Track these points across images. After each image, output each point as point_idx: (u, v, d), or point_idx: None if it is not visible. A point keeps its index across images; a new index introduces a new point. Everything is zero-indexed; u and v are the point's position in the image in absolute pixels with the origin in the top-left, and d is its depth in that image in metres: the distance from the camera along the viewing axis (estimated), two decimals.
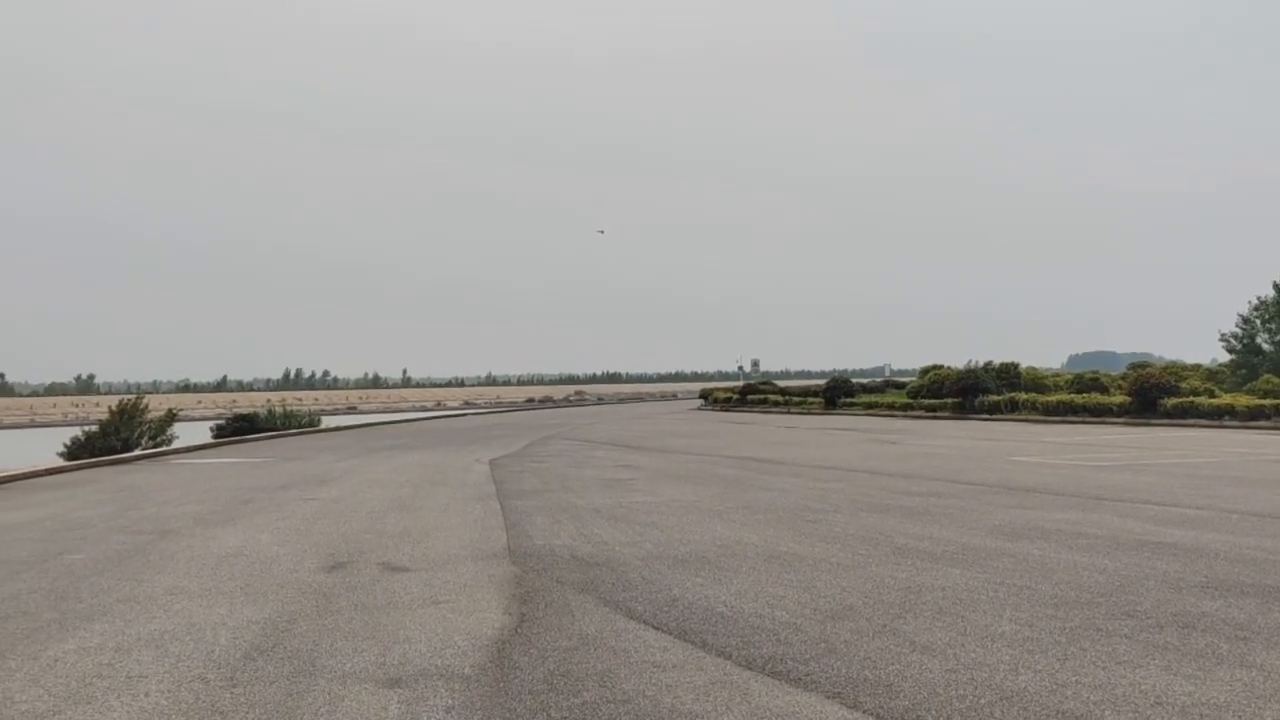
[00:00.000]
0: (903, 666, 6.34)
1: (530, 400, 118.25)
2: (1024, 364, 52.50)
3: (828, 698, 5.81)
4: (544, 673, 6.40)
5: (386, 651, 7.00)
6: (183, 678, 6.49)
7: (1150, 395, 38.52)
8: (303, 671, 6.55)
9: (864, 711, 5.57)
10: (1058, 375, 57.01)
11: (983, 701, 5.65)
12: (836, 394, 57.84)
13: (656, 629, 7.49)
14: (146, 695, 6.14)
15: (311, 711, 5.78)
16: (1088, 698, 5.68)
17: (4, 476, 22.22)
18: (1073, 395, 43.04)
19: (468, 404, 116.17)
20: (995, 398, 45.13)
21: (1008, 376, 48.99)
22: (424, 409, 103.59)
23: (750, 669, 6.39)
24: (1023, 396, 44.18)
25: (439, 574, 9.87)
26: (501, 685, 6.17)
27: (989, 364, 51.06)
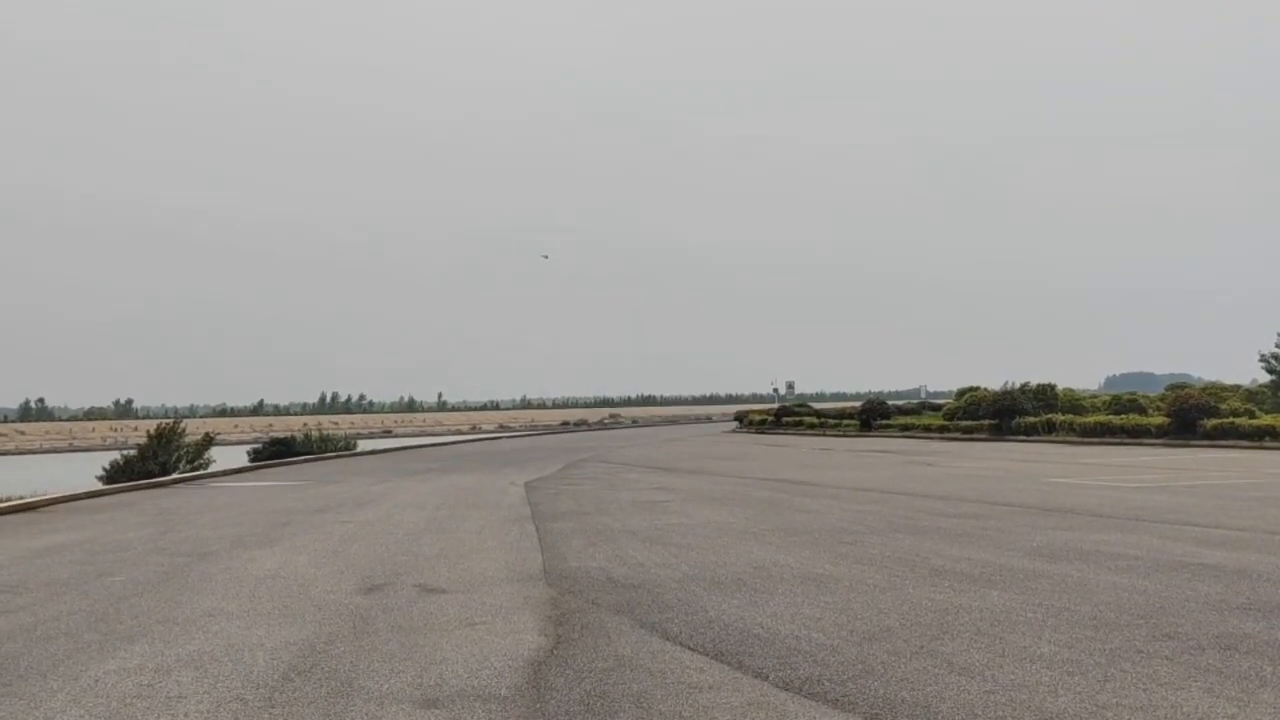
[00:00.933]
0: (941, 688, 6.31)
1: (565, 423, 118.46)
2: (1061, 385, 52.22)
3: (865, 719, 5.78)
4: (580, 694, 6.39)
5: (423, 673, 7.01)
6: (221, 698, 6.51)
7: (1189, 416, 38.22)
8: (340, 692, 6.57)
9: None
10: (1095, 397, 56.70)
11: None
12: (872, 416, 57.66)
13: (693, 650, 7.47)
14: (186, 716, 6.16)
15: None
16: (1129, 719, 5.63)
17: (44, 500, 22.41)
18: (1110, 416, 42.77)
19: (503, 427, 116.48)
20: (1032, 419, 44.88)
21: (1044, 398, 48.74)
22: (459, 432, 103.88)
23: (787, 690, 6.37)
24: (1060, 418, 43.92)
25: (475, 596, 9.88)
26: (538, 706, 6.17)
27: (1025, 385, 50.83)
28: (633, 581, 10.41)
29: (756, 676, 6.69)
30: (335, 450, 44.48)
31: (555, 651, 7.54)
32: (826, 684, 6.46)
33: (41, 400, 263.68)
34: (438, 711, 6.11)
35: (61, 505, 22.21)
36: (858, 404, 64.69)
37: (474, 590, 10.18)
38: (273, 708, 6.28)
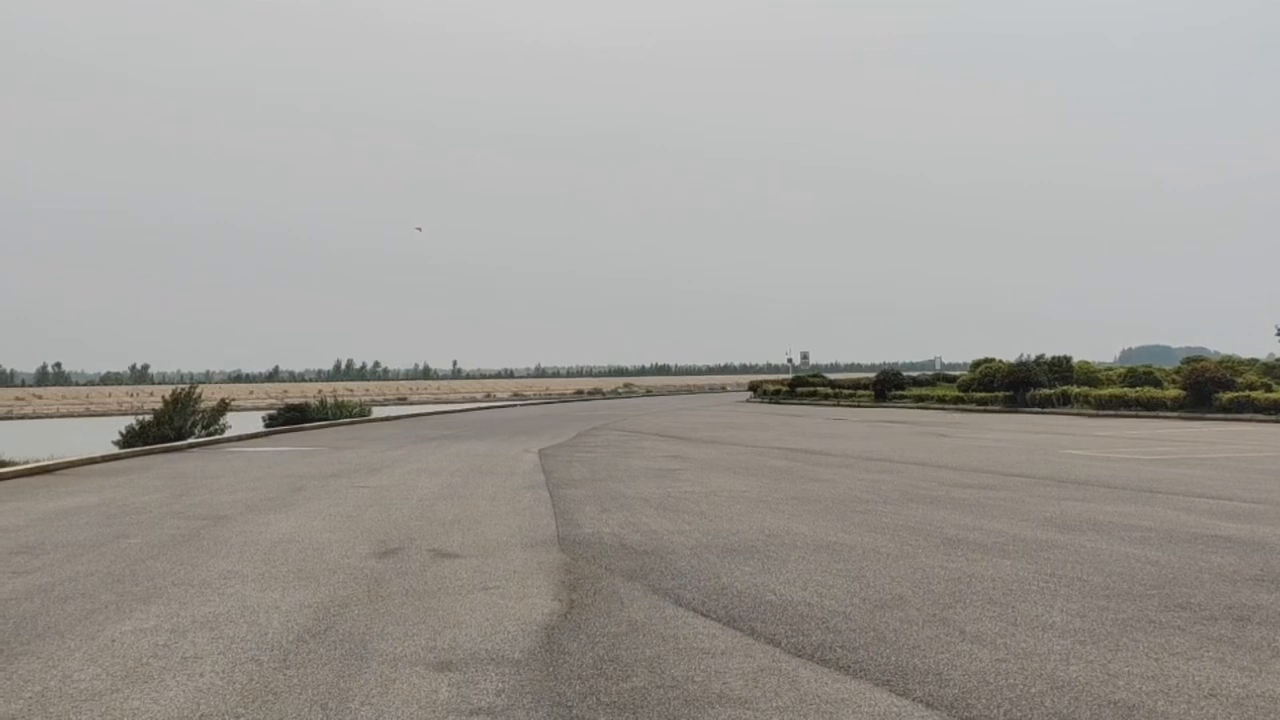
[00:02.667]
0: (952, 655, 6.32)
1: (579, 392, 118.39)
2: (1076, 358, 52.05)
3: (877, 685, 5.80)
4: (593, 658, 6.42)
5: (437, 636, 7.05)
6: (237, 659, 6.56)
7: (1205, 389, 38.08)
8: (354, 654, 6.61)
9: (913, 699, 5.56)
10: (1110, 369, 56.47)
11: (1033, 690, 5.63)
12: (886, 387, 57.60)
13: (705, 616, 7.50)
14: (201, 675, 6.21)
15: (363, 693, 5.83)
16: (1140, 688, 5.64)
17: (62, 463, 22.52)
18: (1125, 389, 42.61)
19: (517, 395, 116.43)
20: (1047, 391, 44.78)
21: (1060, 370, 48.61)
22: (473, 400, 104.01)
23: (799, 656, 6.39)
24: (1075, 390, 43.81)
25: (489, 561, 9.92)
26: (551, 670, 6.20)
27: (1041, 358, 50.69)
28: (646, 548, 10.44)
29: (768, 643, 6.72)
30: (350, 417, 44.59)
31: (568, 616, 7.57)
32: (838, 651, 6.49)
33: (59, 365, 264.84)
34: (451, 674, 6.15)
35: (78, 468, 22.32)
36: (872, 375, 64.63)
37: (488, 555, 10.22)
38: (287, 669, 6.32)
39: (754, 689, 5.77)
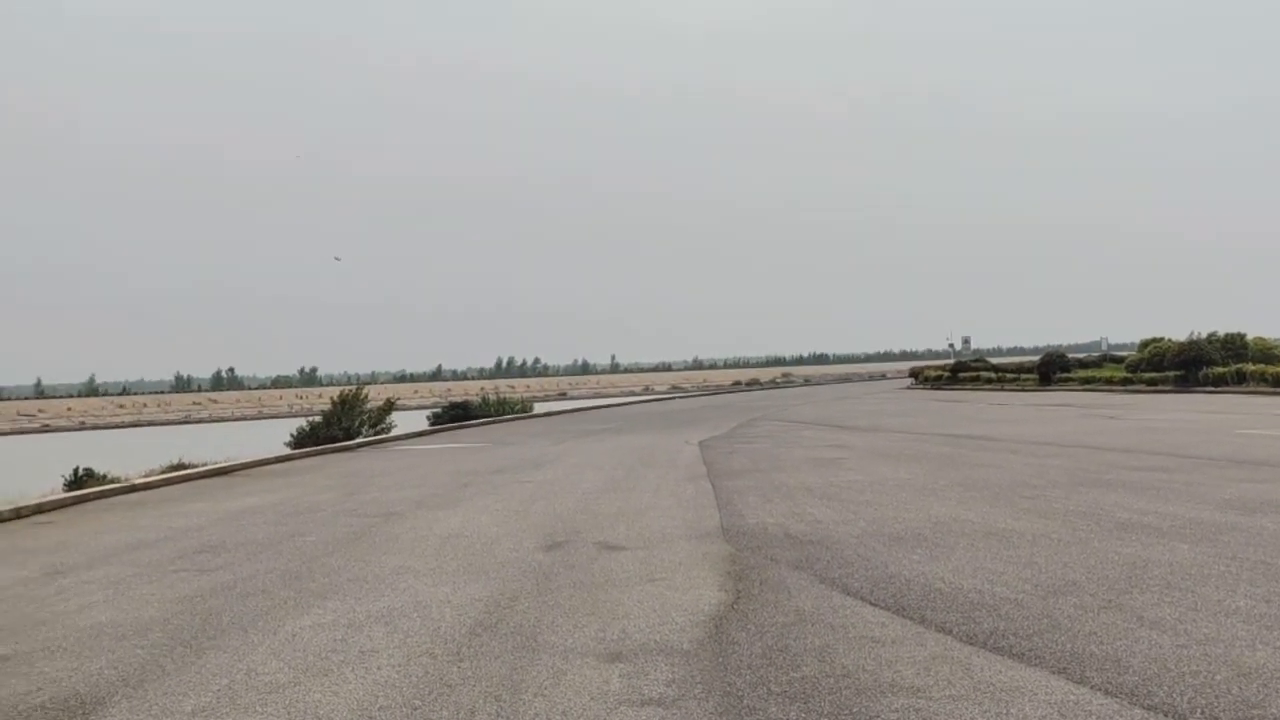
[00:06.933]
0: (1130, 642, 6.17)
1: (737, 383, 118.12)
2: (1251, 334, 50.23)
3: (1053, 673, 5.69)
4: (762, 648, 6.42)
5: (606, 627, 7.11)
6: (412, 652, 6.71)
7: None
8: (526, 647, 6.71)
9: (1091, 687, 5.44)
10: None
11: (1218, 678, 5.46)
12: (1051, 369, 56.28)
13: (873, 605, 7.44)
14: (379, 669, 6.37)
15: (536, 685, 5.91)
16: None
17: (238, 465, 23.28)
18: None
19: (675, 388, 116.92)
20: (1220, 370, 43.26)
21: (1233, 347, 46.93)
22: (632, 394, 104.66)
23: (971, 644, 6.30)
24: (1250, 368, 42.23)
25: (654, 552, 9.97)
26: (720, 660, 6.21)
27: (1213, 335, 49.00)
28: (811, 537, 10.39)
29: (940, 631, 6.64)
30: (512, 413, 45.18)
31: (735, 606, 7.57)
32: (1011, 638, 6.38)
33: (232, 370, 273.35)
34: (621, 665, 6.20)
35: (253, 470, 23.05)
36: (1036, 358, 63.25)
37: (653, 547, 10.28)
38: (461, 661, 6.44)
39: (926, 677, 5.71)
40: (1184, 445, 18.73)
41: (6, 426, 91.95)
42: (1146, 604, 7.06)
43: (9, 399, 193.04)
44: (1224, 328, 50.30)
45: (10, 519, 15.18)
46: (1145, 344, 53.19)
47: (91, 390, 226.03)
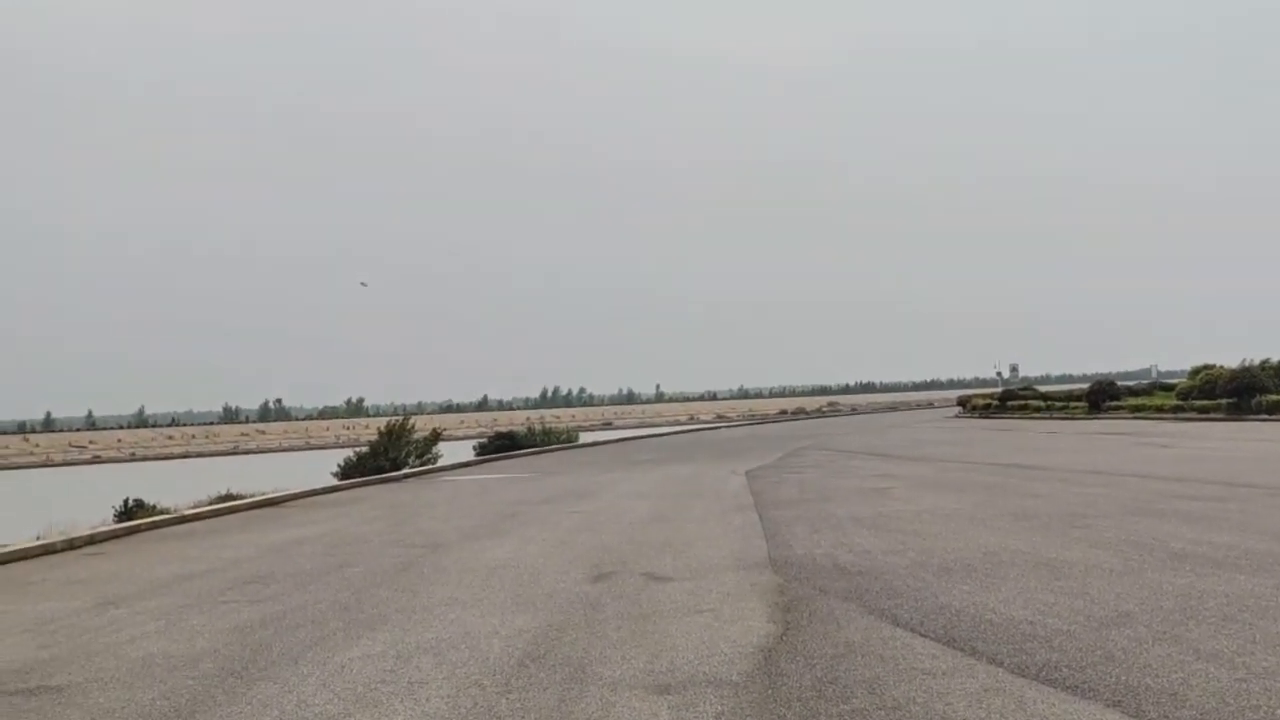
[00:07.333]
0: (1187, 675, 6.08)
1: (783, 412, 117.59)
2: None
3: (1108, 706, 5.61)
4: (812, 680, 6.37)
5: (654, 659, 7.09)
6: (461, 684, 6.71)
7: None
8: (574, 678, 6.69)
9: None
10: None
11: (1279, 712, 5.37)
12: (1100, 397, 55.76)
13: (923, 636, 7.38)
14: (428, 700, 6.37)
15: (584, 716, 5.89)
16: None
17: (286, 495, 23.42)
18: None
19: (720, 417, 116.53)
20: (1274, 397, 42.73)
21: None
22: (677, 423, 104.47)
23: (1024, 676, 6.23)
24: None
25: (702, 583, 9.94)
26: (770, 692, 6.18)
27: (1266, 362, 48.41)
28: (859, 568, 10.32)
29: (991, 662, 6.57)
30: (558, 443, 45.20)
31: (785, 638, 7.54)
32: (1065, 670, 6.30)
33: (279, 401, 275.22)
34: (670, 697, 6.17)
35: (302, 500, 23.18)
36: (1085, 386, 62.69)
37: (700, 578, 10.25)
38: (510, 693, 6.43)
39: (979, 710, 5.65)
40: (1238, 474, 18.51)
41: (58, 458, 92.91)
42: (1203, 636, 6.96)
43: (61, 430, 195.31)
44: (1277, 355, 49.69)
45: (63, 550, 15.33)
46: (1196, 371, 52.63)
47: (141, 421, 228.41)
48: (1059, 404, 59.50)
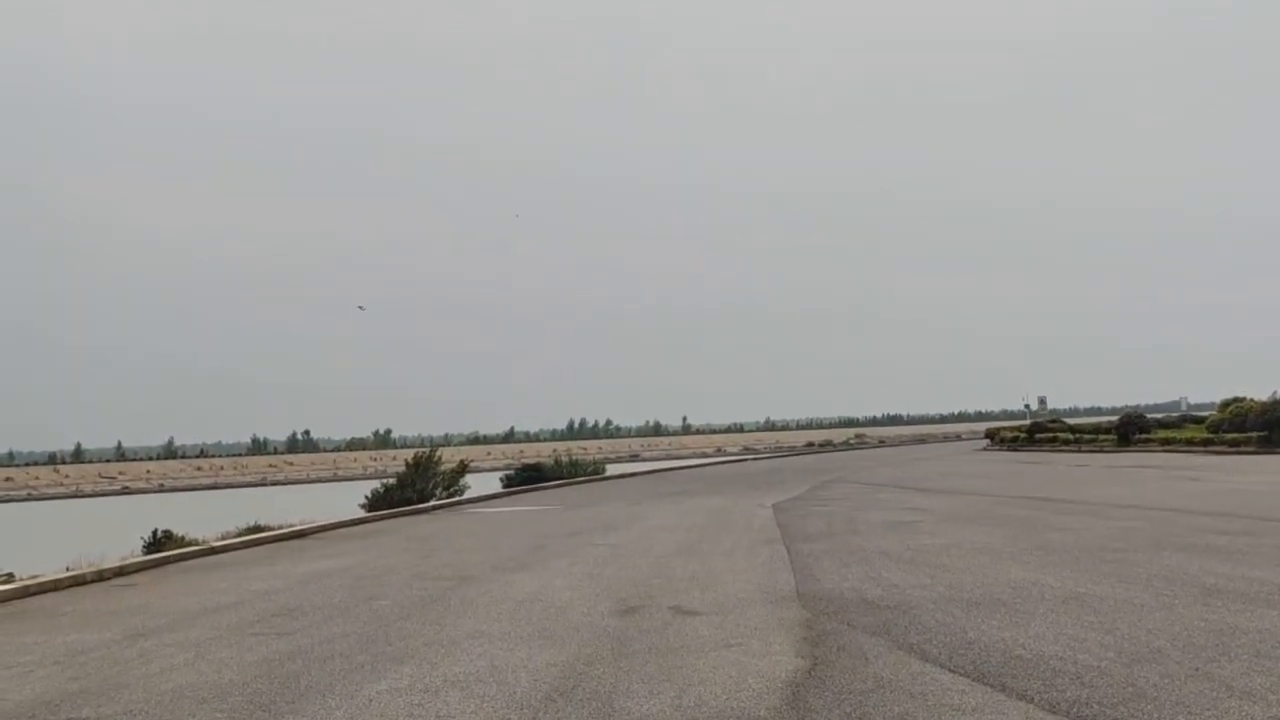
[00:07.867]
0: (1220, 713, 6.03)
1: (810, 444, 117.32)
2: None
3: None
4: (840, 715, 6.35)
5: (682, 694, 7.07)
6: (488, 718, 6.71)
7: None
8: (602, 713, 6.69)
9: None
10: None
11: None
12: (1130, 430, 55.46)
13: (953, 672, 7.34)
14: None
15: None
16: None
17: (314, 527, 23.48)
18: None
19: (747, 449, 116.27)
20: None
21: None
22: (704, 455, 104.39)
23: (1054, 713, 6.19)
24: None
25: (729, 617, 9.92)
26: None
27: None
28: (888, 603, 10.28)
29: (1020, 699, 6.53)
30: (584, 475, 45.22)
31: (813, 673, 7.51)
32: (1095, 707, 6.26)
33: (307, 432, 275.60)
34: None
35: (329, 533, 23.23)
36: (1114, 419, 62.37)
37: (728, 612, 10.22)
38: None
39: None
40: (1271, 508, 18.37)
41: (88, 489, 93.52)
42: (1236, 673, 6.91)
43: (91, 461, 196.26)
44: None
45: (93, 580, 15.41)
46: (1226, 404, 52.28)
47: (170, 453, 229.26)
48: (1088, 436, 59.21)
